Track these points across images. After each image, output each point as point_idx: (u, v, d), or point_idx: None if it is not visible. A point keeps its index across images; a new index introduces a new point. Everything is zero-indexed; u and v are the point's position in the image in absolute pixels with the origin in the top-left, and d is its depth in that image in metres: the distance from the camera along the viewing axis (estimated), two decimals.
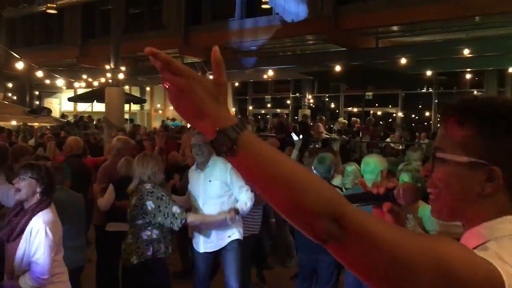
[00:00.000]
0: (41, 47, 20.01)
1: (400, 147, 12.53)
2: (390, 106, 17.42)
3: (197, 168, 4.09)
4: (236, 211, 3.81)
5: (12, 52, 12.48)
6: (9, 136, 10.62)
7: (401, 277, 0.76)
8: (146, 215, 3.60)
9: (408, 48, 13.63)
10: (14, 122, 12.71)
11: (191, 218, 3.70)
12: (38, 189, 2.93)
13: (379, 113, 17.17)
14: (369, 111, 16.79)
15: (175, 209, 3.57)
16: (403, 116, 16.55)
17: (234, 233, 4.04)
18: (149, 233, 3.64)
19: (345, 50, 13.75)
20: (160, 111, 23.49)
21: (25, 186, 2.92)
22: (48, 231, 2.87)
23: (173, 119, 20.35)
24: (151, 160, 3.81)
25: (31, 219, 2.88)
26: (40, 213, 2.91)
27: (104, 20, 17.56)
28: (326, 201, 0.77)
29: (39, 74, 14.16)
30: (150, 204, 3.58)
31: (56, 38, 20.08)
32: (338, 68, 11.62)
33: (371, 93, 16.14)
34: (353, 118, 15.10)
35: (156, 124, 21.33)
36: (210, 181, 3.96)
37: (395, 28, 13.62)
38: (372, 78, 11.37)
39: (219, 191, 3.92)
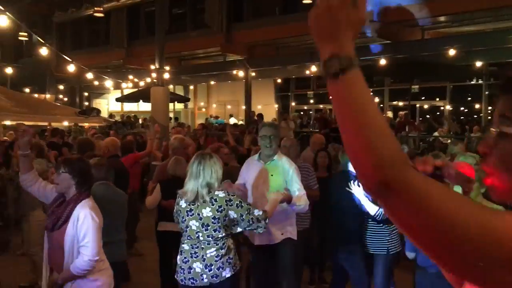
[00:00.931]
0: (89, 50, 20.69)
1: (449, 140, 12.17)
2: (437, 99, 16.92)
3: (260, 159, 4.03)
4: (290, 197, 3.68)
5: (64, 56, 12.95)
6: (62, 137, 11.05)
7: (455, 245, 0.74)
8: (228, 227, 3.33)
9: (456, 38, 13.15)
10: (65, 123, 13.21)
11: (270, 211, 3.46)
12: (73, 182, 3.12)
13: (425, 106, 16.70)
14: (415, 105, 16.36)
15: (256, 212, 3.33)
16: (451, 109, 16.03)
17: (287, 232, 3.99)
18: (231, 240, 3.45)
19: (389, 43, 13.44)
20: (204, 109, 23.80)
21: (61, 180, 3.13)
22: (94, 216, 3.07)
23: (216, 117, 20.58)
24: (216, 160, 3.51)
25: (75, 207, 3.07)
26: (83, 201, 3.10)
27: (148, 22, 17.95)
28: (394, 152, 0.78)
29: (89, 76, 14.64)
30: (232, 214, 3.27)
31: (103, 41, 20.71)
32: (382, 61, 11.37)
33: (417, 86, 15.71)
34: (399, 112, 14.77)
35: (200, 121, 21.66)
36: (272, 175, 3.91)
37: (442, 18, 13.18)
38: (418, 71, 11.07)
39: (280, 186, 3.83)
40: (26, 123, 12.10)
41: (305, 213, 4.46)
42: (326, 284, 5.44)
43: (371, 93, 0.85)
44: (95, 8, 13.33)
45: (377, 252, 4.21)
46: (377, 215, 3.94)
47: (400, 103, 17.21)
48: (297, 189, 3.85)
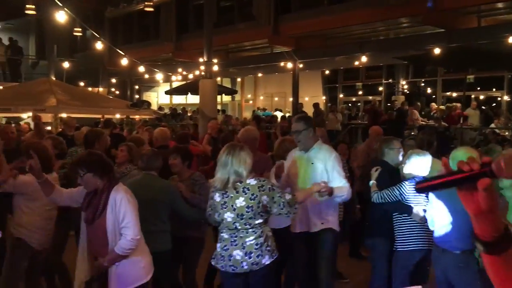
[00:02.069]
0: (139, 44, 21.18)
1: (507, 133, 11.62)
2: (494, 89, 16.17)
3: (300, 150, 4.05)
4: (330, 189, 3.65)
5: (117, 50, 13.33)
6: (114, 129, 11.40)
7: None
8: (264, 213, 3.36)
9: None
10: (118, 115, 13.62)
11: (300, 197, 3.52)
12: (97, 177, 3.21)
13: (481, 97, 15.99)
14: (470, 95, 15.71)
15: (287, 196, 3.36)
16: (509, 99, 15.27)
17: (328, 222, 3.97)
18: (268, 228, 3.48)
19: (443, 31, 12.95)
20: (251, 101, 23.89)
21: (86, 181, 3.22)
22: (129, 197, 3.22)
23: (264, 109, 20.60)
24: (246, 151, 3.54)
25: (109, 194, 3.20)
26: (116, 187, 3.23)
27: (196, 15, 18.15)
28: None
29: (141, 69, 15.01)
30: (265, 199, 3.30)
31: (153, 35, 21.14)
32: (436, 51, 10.96)
33: (472, 76, 15.07)
34: (453, 104, 14.23)
35: (247, 114, 21.74)
36: (312, 163, 3.92)
37: (499, 5, 12.54)
38: (474, 60, 10.61)
39: (320, 175, 3.84)
40: (81, 115, 12.57)
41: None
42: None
43: None
44: (146, 3, 13.59)
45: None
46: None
47: (454, 94, 16.57)
48: (338, 175, 3.85)
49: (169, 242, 3.98)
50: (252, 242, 3.29)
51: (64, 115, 11.93)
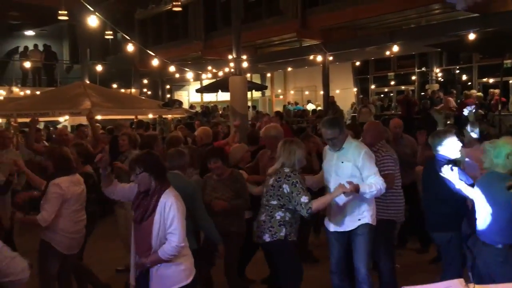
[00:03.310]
0: (169, 44, 21.40)
1: None
2: None
3: (331, 148, 4.08)
4: (356, 187, 3.66)
5: (148, 51, 13.50)
6: (147, 129, 11.57)
7: None
8: (282, 198, 3.78)
9: None
10: (150, 115, 13.81)
11: (315, 205, 3.69)
12: (152, 178, 3.25)
13: None
14: (508, 81, 15.18)
15: (303, 199, 3.66)
16: None
17: (365, 217, 3.95)
18: (282, 214, 3.82)
19: (477, 16, 12.52)
20: (281, 96, 23.82)
21: (141, 180, 3.25)
22: (179, 204, 3.24)
23: (296, 103, 20.51)
24: (298, 147, 3.91)
25: (160, 197, 3.22)
26: (166, 191, 3.26)
27: (224, 12, 18.18)
28: None
29: (171, 69, 15.15)
30: (286, 188, 3.74)
31: (181, 34, 21.33)
32: (471, 36, 10.62)
33: (509, 61, 14.57)
34: (490, 90, 13.80)
35: (278, 109, 21.70)
36: (342, 162, 3.94)
37: None
38: (511, 44, 10.25)
39: (350, 173, 3.87)
40: (115, 117, 12.81)
41: (387, 203, 4.41)
42: None
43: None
44: (174, 3, 13.71)
45: None
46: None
47: (491, 80, 16.06)
48: (369, 171, 3.85)
49: (192, 242, 3.83)
50: (261, 218, 3.92)
51: (99, 117, 12.20)
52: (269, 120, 9.14)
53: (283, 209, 3.81)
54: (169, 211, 3.17)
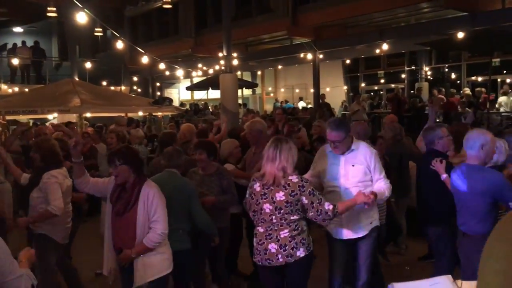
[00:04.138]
0: (159, 41, 21.31)
1: None
2: None
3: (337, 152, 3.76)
4: (375, 195, 3.48)
5: (138, 48, 13.42)
6: (137, 126, 11.53)
7: None
8: (301, 211, 3.37)
9: None
10: (140, 113, 13.76)
11: (340, 209, 3.37)
12: (131, 171, 3.35)
13: (508, 80, 15.59)
14: (497, 79, 15.33)
15: (327, 206, 3.31)
16: None
17: (375, 220, 3.84)
18: (306, 223, 3.46)
19: (466, 14, 12.63)
20: (272, 94, 23.83)
21: (120, 172, 3.34)
22: (160, 194, 3.39)
23: (286, 101, 20.52)
24: (291, 145, 3.51)
25: (141, 188, 3.34)
26: (146, 182, 3.40)
27: (214, 10, 18.13)
28: None
29: (161, 66, 15.11)
30: (304, 200, 3.31)
31: (172, 32, 21.24)
32: (459, 35, 10.71)
33: (498, 59, 14.70)
34: (477, 88, 13.93)
35: (268, 107, 21.71)
36: (353, 165, 3.69)
37: None
38: (500, 42, 10.34)
39: (363, 176, 3.67)
40: (105, 114, 12.74)
41: (382, 209, 4.40)
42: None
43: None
44: (164, 0, 13.63)
45: None
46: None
47: (480, 78, 16.21)
48: (379, 174, 3.70)
49: (186, 241, 3.88)
50: (286, 234, 3.30)
51: (88, 114, 12.11)
52: (253, 117, 9.14)
53: (303, 219, 3.41)
54: (153, 200, 3.30)
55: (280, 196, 3.29)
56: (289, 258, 3.30)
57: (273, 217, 3.32)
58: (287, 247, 3.29)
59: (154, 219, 3.29)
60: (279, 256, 3.30)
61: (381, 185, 3.68)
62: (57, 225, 4.16)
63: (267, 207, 3.33)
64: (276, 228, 3.32)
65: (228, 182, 4.39)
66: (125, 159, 3.33)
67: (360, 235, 3.76)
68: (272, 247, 3.31)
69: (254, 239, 3.45)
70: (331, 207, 3.31)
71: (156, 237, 3.27)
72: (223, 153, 5.10)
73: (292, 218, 3.31)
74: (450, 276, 1.97)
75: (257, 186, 3.40)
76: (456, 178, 3.60)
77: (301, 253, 3.31)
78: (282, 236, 3.31)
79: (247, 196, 3.54)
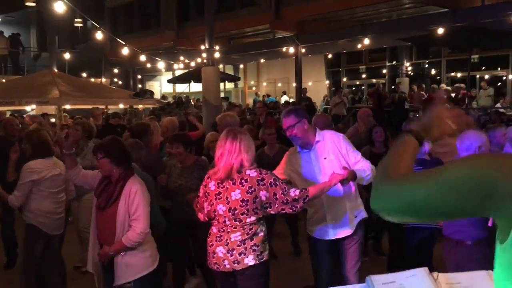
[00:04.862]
0: (140, 33, 21.08)
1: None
2: (499, 68, 16.03)
3: (302, 149, 3.47)
4: (352, 173, 3.15)
5: (118, 39, 13.25)
6: (119, 120, 11.38)
7: None
8: (259, 209, 2.97)
9: None
10: (121, 105, 13.60)
11: (311, 192, 3.00)
12: (113, 164, 3.25)
13: (486, 76, 15.86)
14: (475, 75, 15.58)
15: (293, 192, 2.95)
16: None
17: (361, 212, 3.53)
18: (264, 228, 3.06)
19: (447, 11, 12.79)
20: (254, 88, 23.81)
21: (102, 165, 3.27)
22: (144, 191, 3.26)
23: (268, 95, 20.53)
24: (248, 136, 3.17)
25: (125, 184, 3.23)
26: (131, 178, 3.27)
27: (197, 2, 18.00)
28: None
29: (142, 58, 14.96)
30: (263, 195, 2.93)
31: (154, 24, 21.02)
32: (440, 31, 10.84)
33: (477, 56, 14.94)
34: (455, 84, 14.14)
35: (250, 100, 21.68)
36: (325, 158, 3.38)
37: None
38: (479, 39, 10.51)
39: (338, 166, 3.28)
40: (85, 106, 12.56)
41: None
42: (383, 256, 5.42)
43: None
44: None
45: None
46: None
47: (459, 74, 16.45)
48: (356, 160, 3.35)
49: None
50: (237, 238, 2.94)
51: (67, 106, 11.93)
52: (236, 111, 9.14)
53: (262, 222, 3.03)
54: (135, 197, 3.18)
55: (235, 194, 2.92)
56: (235, 264, 2.93)
57: (226, 218, 2.95)
58: (234, 252, 2.92)
59: (134, 217, 3.17)
60: (226, 261, 2.95)
61: (361, 165, 3.32)
62: (42, 216, 4.12)
63: (221, 208, 2.97)
64: (229, 230, 2.95)
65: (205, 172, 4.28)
66: (106, 152, 3.25)
67: (347, 233, 3.45)
68: (220, 250, 2.97)
69: (208, 239, 3.12)
70: (297, 192, 2.94)
71: (135, 236, 3.14)
72: (206, 146, 5.10)
73: (248, 220, 2.93)
74: (426, 268, 1.99)
75: (212, 185, 3.05)
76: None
77: (249, 261, 2.92)
78: (232, 239, 2.93)
79: (199, 195, 3.17)
